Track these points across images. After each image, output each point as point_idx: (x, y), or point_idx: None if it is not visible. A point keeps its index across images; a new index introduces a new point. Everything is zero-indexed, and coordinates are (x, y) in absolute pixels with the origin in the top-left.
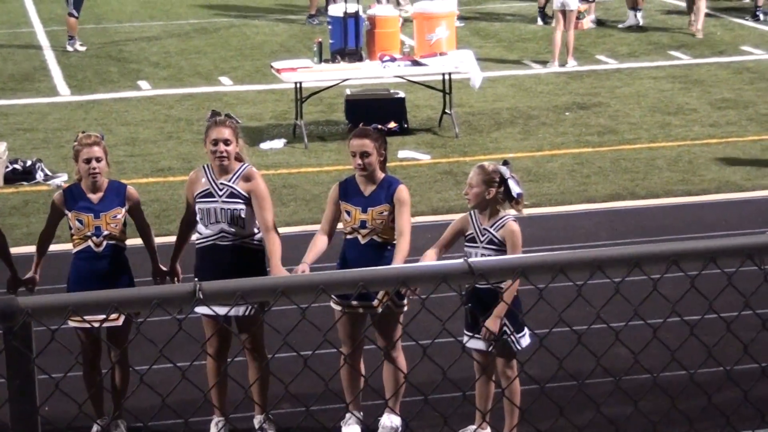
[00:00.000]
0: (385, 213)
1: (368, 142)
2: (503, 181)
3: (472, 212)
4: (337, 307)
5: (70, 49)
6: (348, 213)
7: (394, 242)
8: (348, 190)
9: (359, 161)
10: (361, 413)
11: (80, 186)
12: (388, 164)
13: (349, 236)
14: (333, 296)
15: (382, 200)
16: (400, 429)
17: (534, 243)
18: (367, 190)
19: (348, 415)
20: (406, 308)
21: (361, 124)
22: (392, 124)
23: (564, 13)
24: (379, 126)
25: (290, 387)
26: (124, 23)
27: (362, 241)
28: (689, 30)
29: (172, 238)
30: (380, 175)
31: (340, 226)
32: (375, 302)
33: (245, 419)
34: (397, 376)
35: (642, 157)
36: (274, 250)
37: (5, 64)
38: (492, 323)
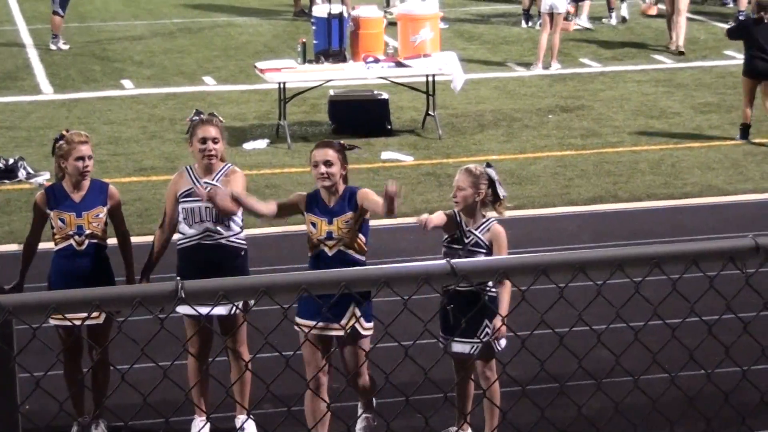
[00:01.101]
0: (350, 221)
1: (331, 152)
2: (491, 184)
3: (457, 214)
4: (303, 328)
5: (53, 47)
6: (314, 225)
7: (362, 257)
8: (313, 203)
9: (323, 169)
10: None
11: (62, 185)
12: (371, 166)
13: (314, 251)
14: (297, 317)
15: (346, 209)
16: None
17: (516, 245)
18: (331, 201)
19: None
20: (371, 332)
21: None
22: (350, 142)
23: (552, 15)
24: (342, 142)
25: (272, 387)
26: (108, 22)
27: (329, 253)
28: (670, 48)
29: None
30: (342, 187)
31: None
32: (342, 323)
33: (227, 419)
34: (369, 401)
35: (625, 160)
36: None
37: None
38: (497, 323)
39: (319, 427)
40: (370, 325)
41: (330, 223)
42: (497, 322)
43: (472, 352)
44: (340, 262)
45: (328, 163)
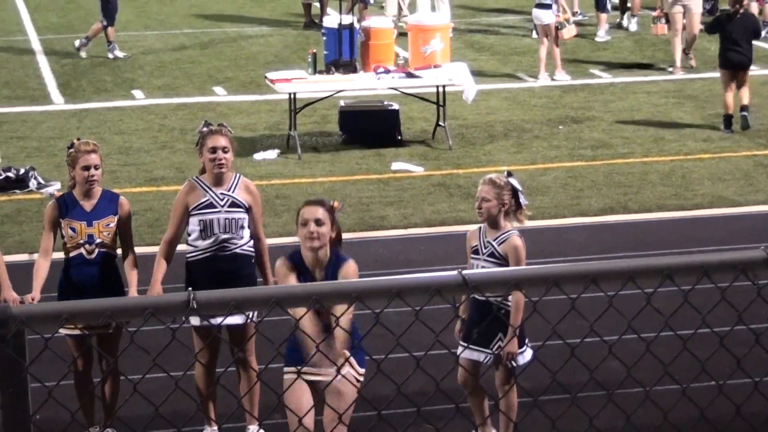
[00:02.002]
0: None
1: (322, 211)
2: (515, 193)
3: (482, 225)
4: (289, 375)
5: (110, 56)
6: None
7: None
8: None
9: (312, 228)
10: None
11: (73, 194)
12: (381, 177)
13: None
14: (285, 366)
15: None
16: None
17: (527, 256)
18: (316, 269)
19: None
20: (362, 379)
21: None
22: (337, 204)
23: (543, 27)
24: (332, 203)
25: (283, 397)
26: (119, 32)
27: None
28: (688, 64)
29: None
30: (328, 253)
31: None
32: (331, 371)
33: (237, 429)
34: None
35: (635, 171)
36: (266, 255)
37: None
38: (511, 346)
39: None
40: (362, 371)
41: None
42: (511, 346)
43: (484, 361)
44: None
45: (318, 222)
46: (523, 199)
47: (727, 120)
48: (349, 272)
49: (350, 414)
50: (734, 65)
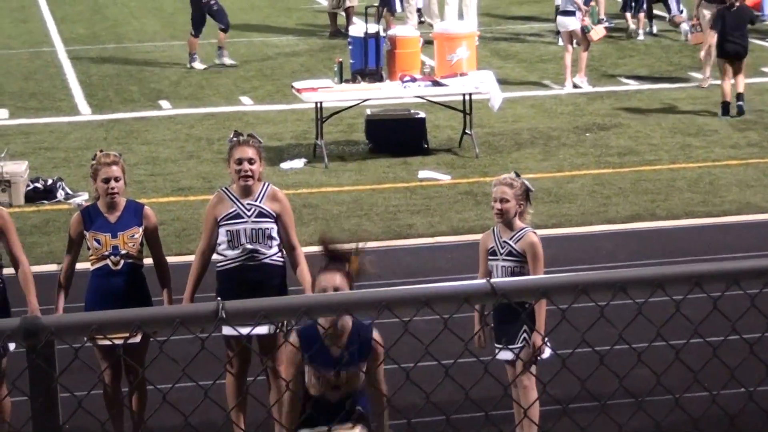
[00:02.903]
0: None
1: (339, 278)
2: (528, 192)
3: (495, 226)
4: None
5: (189, 66)
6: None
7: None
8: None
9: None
10: None
11: (98, 206)
12: (408, 185)
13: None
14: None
15: (355, 358)
16: None
17: (555, 263)
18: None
19: None
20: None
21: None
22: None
23: (568, 33)
24: (348, 271)
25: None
26: (145, 43)
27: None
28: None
29: (192, 257)
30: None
31: None
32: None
33: None
34: None
35: (662, 178)
36: (304, 262)
37: (27, 83)
38: (537, 339)
39: None
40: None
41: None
42: (537, 339)
43: (513, 359)
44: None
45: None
46: (532, 197)
47: (725, 107)
48: (379, 351)
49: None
50: (731, 55)
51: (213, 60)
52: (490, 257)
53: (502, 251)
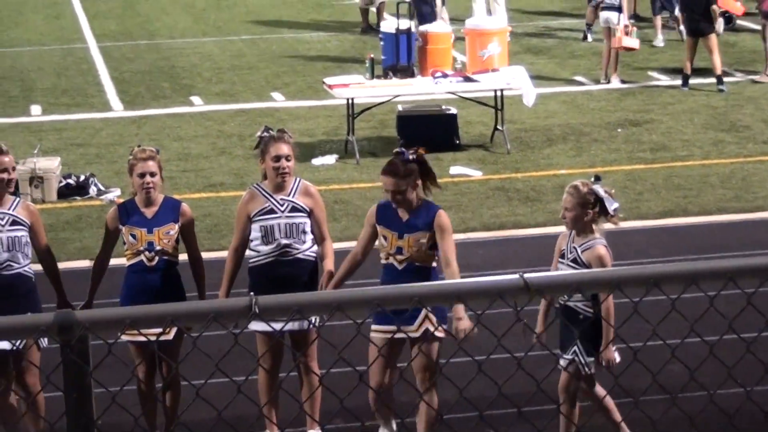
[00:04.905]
0: (423, 240)
1: (397, 180)
2: (598, 200)
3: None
4: (377, 334)
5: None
6: (384, 238)
7: (433, 266)
8: (386, 214)
9: (391, 194)
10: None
11: (134, 201)
12: (439, 181)
13: (384, 261)
14: (373, 320)
15: (420, 226)
16: None
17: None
18: (405, 215)
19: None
20: (443, 335)
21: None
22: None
23: (609, 29)
24: (410, 156)
25: (344, 401)
26: (177, 39)
27: (399, 267)
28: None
29: (224, 253)
30: (418, 201)
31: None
32: (414, 326)
33: None
34: (429, 417)
35: (695, 174)
36: (331, 254)
37: (59, 79)
38: (607, 353)
39: (389, 419)
40: (443, 327)
41: (401, 238)
42: (606, 354)
43: (566, 367)
44: (410, 274)
45: (397, 189)
46: (611, 205)
47: (685, 79)
48: (443, 222)
49: (435, 367)
50: (692, 32)
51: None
52: (560, 259)
53: (569, 256)
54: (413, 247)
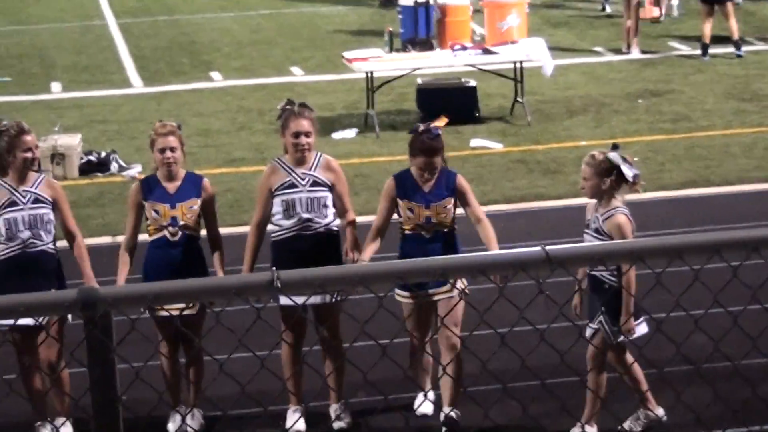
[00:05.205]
0: (449, 206)
1: (433, 159)
2: (615, 168)
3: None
4: (404, 300)
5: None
6: (411, 210)
7: (454, 228)
8: (406, 187)
9: (426, 175)
10: (433, 393)
11: (156, 177)
12: (459, 154)
13: (409, 232)
14: (397, 288)
15: (444, 193)
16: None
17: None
18: (426, 185)
19: (420, 396)
20: (468, 292)
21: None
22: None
23: (629, 0)
24: (437, 130)
25: (367, 375)
26: (196, 15)
27: (426, 236)
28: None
29: (245, 229)
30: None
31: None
32: (445, 287)
33: (321, 407)
34: (456, 369)
35: (716, 144)
36: (352, 228)
37: (79, 56)
38: (627, 324)
39: (425, 377)
40: (467, 283)
41: (427, 208)
42: (625, 323)
43: (592, 336)
44: (438, 240)
45: (433, 162)
46: (629, 172)
47: (705, 48)
48: (463, 183)
49: (460, 321)
50: (709, 0)
51: None
52: (585, 229)
53: (593, 226)
54: (441, 214)
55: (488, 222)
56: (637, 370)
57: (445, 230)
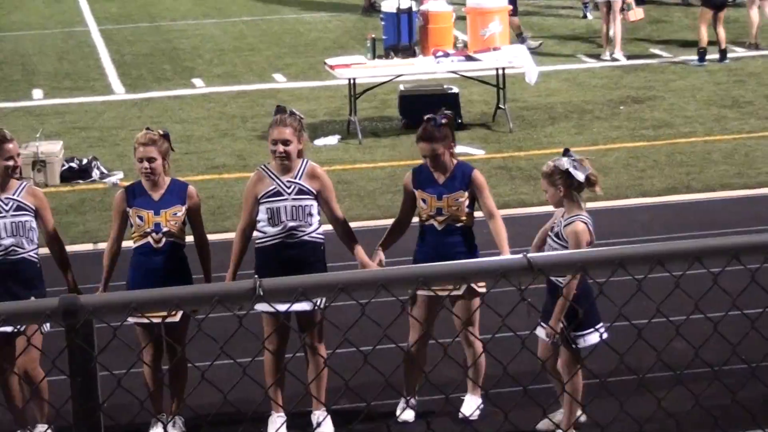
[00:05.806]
0: (461, 200)
1: (433, 145)
2: (565, 174)
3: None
4: (421, 291)
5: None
6: (424, 201)
7: (470, 225)
8: (422, 178)
9: (429, 158)
10: (415, 400)
11: (141, 183)
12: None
13: (425, 223)
14: None
15: (457, 187)
16: (481, 407)
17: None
18: (441, 177)
19: (401, 403)
20: (485, 290)
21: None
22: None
23: (608, 5)
24: (442, 119)
25: (349, 382)
26: (178, 21)
27: (439, 228)
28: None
29: (228, 235)
30: (452, 162)
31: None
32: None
33: (303, 415)
34: (475, 357)
35: (697, 150)
36: (353, 236)
37: (60, 63)
38: (553, 322)
39: (412, 388)
40: (483, 282)
41: (439, 199)
42: (552, 323)
43: (546, 337)
44: (451, 233)
45: (434, 151)
46: (579, 174)
47: (702, 54)
48: (479, 178)
49: (476, 329)
50: (716, 5)
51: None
52: (549, 232)
53: (555, 230)
54: (453, 207)
55: (500, 219)
56: (579, 380)
57: (459, 225)
